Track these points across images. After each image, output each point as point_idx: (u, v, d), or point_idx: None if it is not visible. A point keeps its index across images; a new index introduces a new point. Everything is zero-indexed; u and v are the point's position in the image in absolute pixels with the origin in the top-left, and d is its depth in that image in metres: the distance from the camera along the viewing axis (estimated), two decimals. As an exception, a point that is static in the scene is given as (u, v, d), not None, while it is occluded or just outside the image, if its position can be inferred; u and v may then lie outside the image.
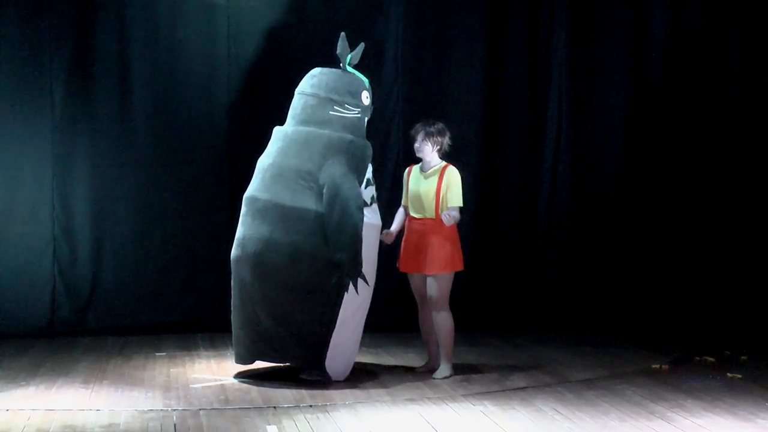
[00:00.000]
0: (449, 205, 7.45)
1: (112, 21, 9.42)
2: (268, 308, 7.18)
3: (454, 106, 9.83)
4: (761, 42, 9.79)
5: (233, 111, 9.62)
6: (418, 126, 7.61)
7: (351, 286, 7.12)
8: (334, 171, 7.16)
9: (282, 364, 7.62)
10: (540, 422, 6.29)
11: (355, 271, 7.10)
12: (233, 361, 7.63)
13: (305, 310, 7.12)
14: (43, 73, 9.29)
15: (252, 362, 7.51)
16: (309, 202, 7.14)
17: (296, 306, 7.12)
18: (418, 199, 7.53)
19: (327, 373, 7.29)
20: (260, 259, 7.15)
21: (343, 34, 7.56)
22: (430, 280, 7.53)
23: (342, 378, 7.40)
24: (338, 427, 6.16)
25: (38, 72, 9.29)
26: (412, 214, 7.58)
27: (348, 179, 7.16)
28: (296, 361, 7.40)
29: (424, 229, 7.51)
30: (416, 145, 7.57)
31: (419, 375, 7.64)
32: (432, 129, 7.55)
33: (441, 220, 7.41)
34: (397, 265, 7.75)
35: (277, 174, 7.26)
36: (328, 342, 7.18)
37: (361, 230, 7.13)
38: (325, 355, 7.21)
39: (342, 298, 7.12)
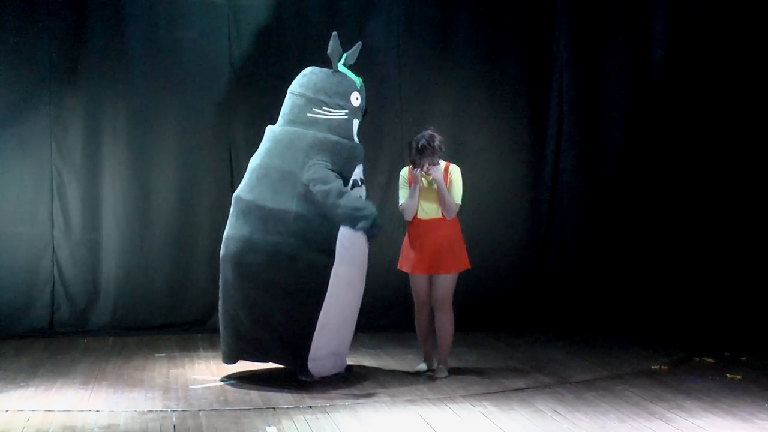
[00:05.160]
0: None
1: (111, 21, 9.42)
2: (249, 308, 7.18)
3: (455, 106, 9.83)
4: (761, 44, 9.78)
5: (233, 111, 9.62)
6: (417, 157, 7.42)
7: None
8: (313, 175, 7.11)
9: (265, 365, 7.60)
10: (539, 423, 6.29)
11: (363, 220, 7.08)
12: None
13: (284, 311, 7.11)
14: (42, 73, 9.29)
15: (235, 361, 7.49)
16: (290, 204, 7.13)
17: (275, 307, 7.11)
18: (426, 201, 7.51)
19: (311, 374, 7.26)
20: (241, 259, 7.17)
21: (335, 33, 7.52)
22: (439, 280, 7.52)
23: (326, 375, 7.37)
24: (338, 428, 6.16)
25: (37, 72, 9.29)
26: (420, 215, 7.55)
27: (328, 177, 7.13)
28: (278, 360, 7.40)
29: (432, 229, 7.50)
30: (424, 168, 7.40)
31: (418, 376, 7.64)
32: (429, 144, 7.38)
33: (448, 218, 7.45)
34: (399, 266, 7.72)
35: (263, 175, 7.26)
36: (309, 344, 7.13)
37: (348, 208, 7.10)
38: (307, 357, 7.17)
39: (323, 299, 7.09)
